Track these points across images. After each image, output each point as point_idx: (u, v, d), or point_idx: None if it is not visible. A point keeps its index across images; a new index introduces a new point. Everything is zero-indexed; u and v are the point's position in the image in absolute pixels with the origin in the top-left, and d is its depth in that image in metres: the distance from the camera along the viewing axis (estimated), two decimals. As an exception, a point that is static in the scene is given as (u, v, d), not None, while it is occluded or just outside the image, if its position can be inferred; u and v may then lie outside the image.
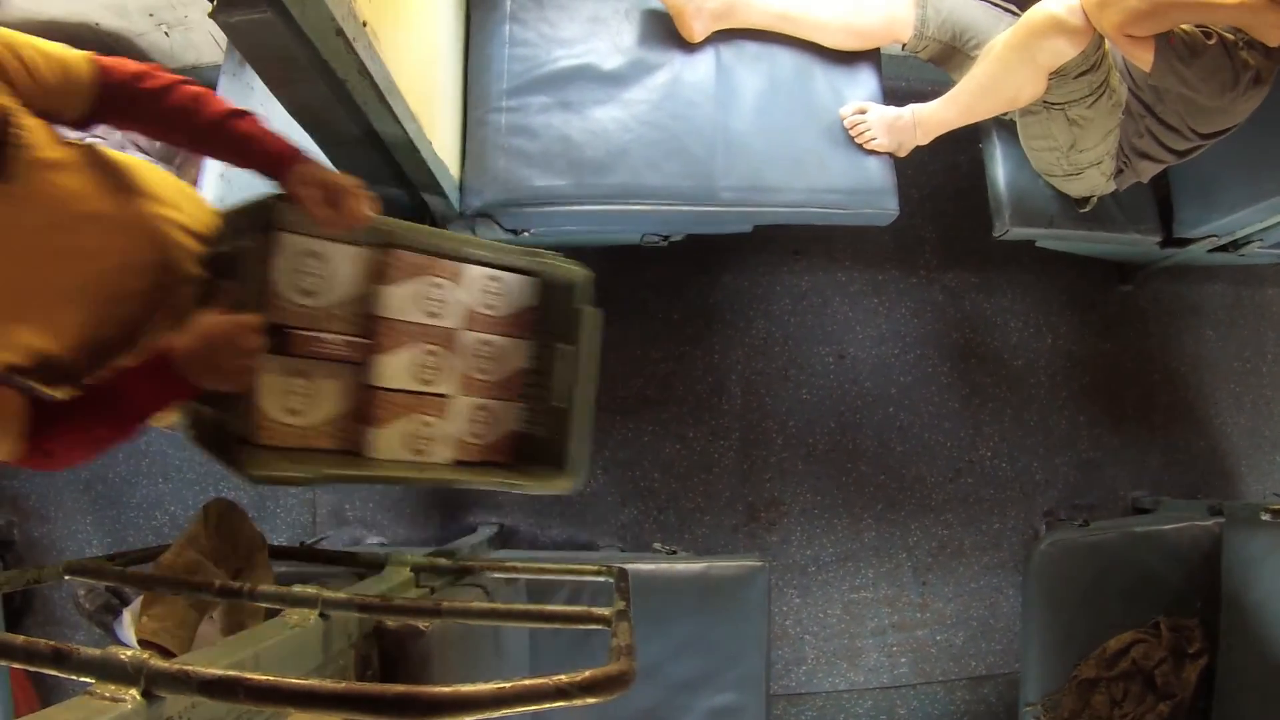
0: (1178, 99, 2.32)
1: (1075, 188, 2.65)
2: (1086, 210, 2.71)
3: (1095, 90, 2.36)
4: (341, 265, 1.75)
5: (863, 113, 2.55)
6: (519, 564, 1.83)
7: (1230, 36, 2.16)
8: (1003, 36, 2.35)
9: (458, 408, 1.94)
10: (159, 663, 0.83)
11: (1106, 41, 2.28)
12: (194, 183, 2.56)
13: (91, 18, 2.81)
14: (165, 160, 2.99)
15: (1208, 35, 2.16)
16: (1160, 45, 2.16)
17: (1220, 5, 2.06)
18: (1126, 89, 2.42)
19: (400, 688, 0.79)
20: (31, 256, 1.38)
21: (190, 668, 0.82)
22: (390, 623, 1.51)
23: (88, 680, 0.85)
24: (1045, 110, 2.44)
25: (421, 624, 1.50)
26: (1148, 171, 2.56)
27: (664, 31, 2.53)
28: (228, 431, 1.64)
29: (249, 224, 1.67)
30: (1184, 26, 2.16)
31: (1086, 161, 2.53)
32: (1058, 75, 2.29)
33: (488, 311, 1.98)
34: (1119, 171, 2.55)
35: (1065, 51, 2.23)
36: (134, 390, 1.48)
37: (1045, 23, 2.21)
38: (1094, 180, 2.58)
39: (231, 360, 1.51)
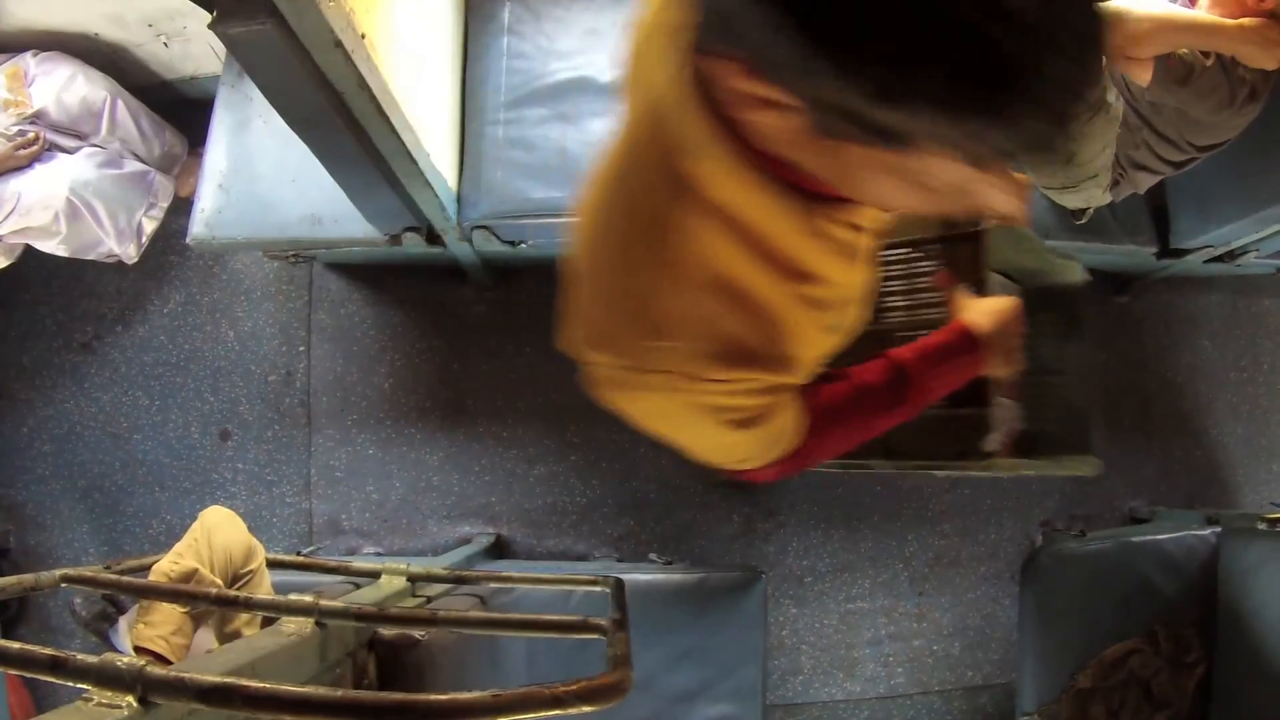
0: (1174, 113, 2.33)
1: (1071, 200, 2.65)
2: (1082, 222, 2.71)
3: (1092, 108, 2.36)
4: None
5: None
6: (515, 574, 1.83)
7: (1228, 55, 2.17)
8: None
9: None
10: (156, 670, 0.84)
11: (1104, 59, 2.28)
12: (193, 193, 2.57)
13: (91, 28, 2.81)
14: (164, 170, 3.00)
15: (1205, 54, 2.16)
16: (1159, 64, 2.16)
17: (1222, 32, 2.06)
18: (1123, 104, 2.42)
19: (397, 695, 0.79)
20: None
21: (188, 675, 0.82)
22: (387, 632, 1.51)
23: (84, 687, 0.86)
24: None
25: (418, 633, 1.51)
26: (1144, 183, 2.56)
27: (661, 43, 2.54)
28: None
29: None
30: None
31: (1083, 175, 2.53)
32: None
33: None
34: (1115, 183, 2.55)
35: None
36: (928, 372, 1.34)
37: None
38: (1090, 193, 2.58)
39: (1014, 343, 1.47)
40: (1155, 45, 2.11)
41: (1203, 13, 2.07)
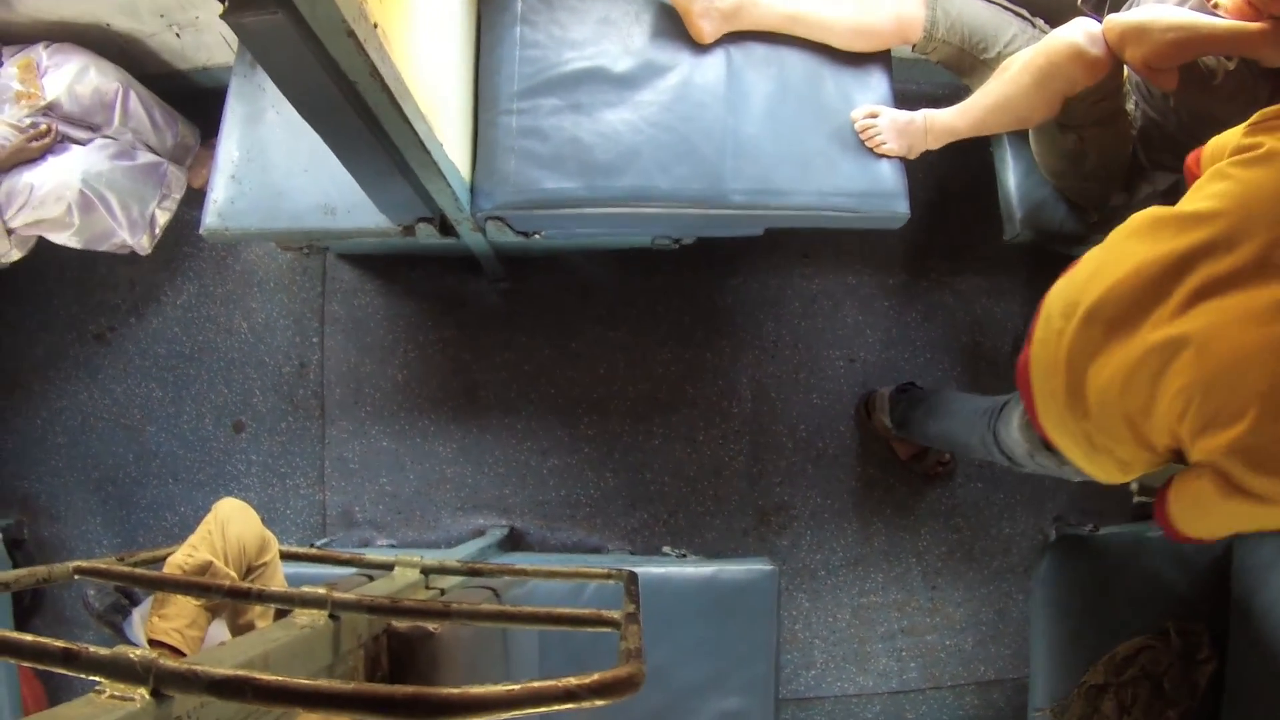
0: (1193, 117, 2.31)
1: (1087, 200, 2.64)
2: (1094, 220, 2.69)
3: (1110, 115, 2.34)
4: None
5: (874, 116, 2.54)
6: (528, 567, 1.83)
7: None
8: (1021, 56, 2.31)
9: None
10: (168, 662, 0.83)
11: (1125, 68, 2.26)
12: (205, 184, 2.57)
13: (102, 18, 2.82)
14: (177, 161, 3.00)
15: (1229, 57, 2.14)
16: (1182, 70, 2.14)
17: (1246, 39, 2.03)
18: (1142, 111, 2.41)
19: (409, 688, 0.79)
20: None
21: (199, 667, 0.82)
22: (400, 624, 1.51)
23: (96, 679, 0.85)
24: (1059, 130, 2.42)
25: (431, 626, 1.50)
26: (1164, 182, 2.54)
27: (674, 33, 2.53)
28: None
29: None
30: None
31: (1099, 177, 2.51)
32: (1073, 100, 2.27)
33: None
34: (1133, 183, 2.53)
35: (1084, 80, 2.19)
36: None
37: (1066, 51, 2.17)
38: (1107, 192, 2.57)
39: None
40: (1179, 56, 2.09)
41: (1223, 19, 2.04)
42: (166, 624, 1.71)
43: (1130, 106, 2.42)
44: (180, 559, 1.75)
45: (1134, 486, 2.13)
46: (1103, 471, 1.91)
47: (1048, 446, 2.00)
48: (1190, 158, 1.83)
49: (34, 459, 3.31)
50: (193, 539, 1.82)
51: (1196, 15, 2.06)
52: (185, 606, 1.73)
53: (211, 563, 1.76)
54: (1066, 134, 2.41)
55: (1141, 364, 1.62)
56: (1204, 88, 2.16)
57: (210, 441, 3.31)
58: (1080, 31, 2.15)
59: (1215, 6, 2.11)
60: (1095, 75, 2.18)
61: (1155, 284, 1.62)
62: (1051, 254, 3.01)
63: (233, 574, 1.80)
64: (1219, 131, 2.32)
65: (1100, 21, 2.17)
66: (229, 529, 1.84)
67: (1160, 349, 1.59)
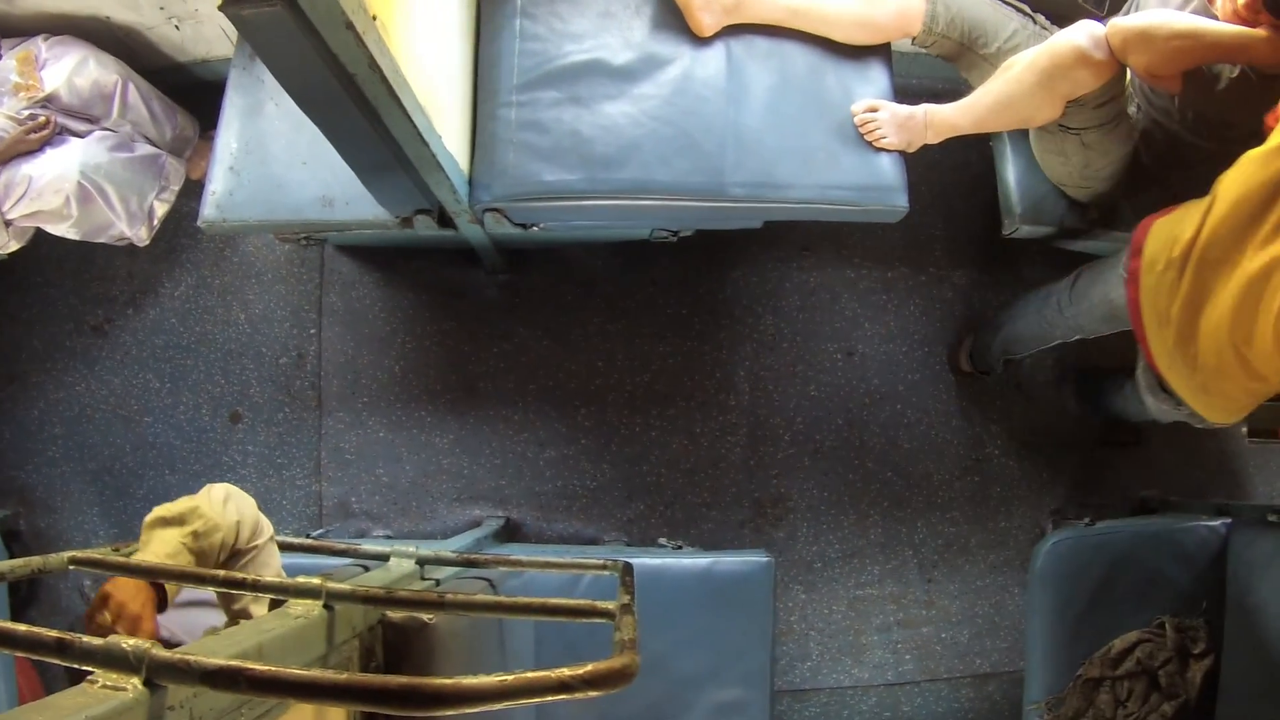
0: (1199, 117, 2.30)
1: (1087, 198, 2.63)
2: (1095, 217, 2.68)
3: (1112, 119, 2.33)
4: None
5: (874, 110, 2.53)
6: (524, 558, 1.83)
7: None
8: (1024, 57, 2.30)
9: None
10: (161, 652, 0.84)
11: (1128, 72, 2.25)
12: (204, 176, 2.57)
13: (103, 11, 2.81)
14: (176, 153, 3.00)
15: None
16: (1187, 77, 2.14)
17: (1252, 47, 2.01)
18: (1145, 113, 2.40)
19: (403, 679, 0.79)
20: None
21: (192, 657, 0.82)
22: (395, 615, 1.51)
23: (90, 669, 0.86)
24: (1060, 131, 2.41)
25: (425, 616, 1.51)
26: (1179, 182, 2.53)
27: (674, 26, 2.53)
28: None
29: None
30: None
31: (1099, 178, 2.51)
32: (1075, 103, 2.26)
33: None
34: (1134, 183, 2.53)
35: (1087, 83, 2.18)
36: None
37: (1069, 54, 2.16)
38: (1107, 191, 2.57)
39: None
40: (1183, 64, 2.08)
41: (1229, 26, 2.03)
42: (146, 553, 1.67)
43: (1132, 110, 2.41)
44: (163, 512, 1.72)
45: (1244, 429, 2.19)
46: (1213, 411, 2.00)
47: (1164, 387, 2.13)
48: (1270, 115, 1.84)
49: (31, 450, 3.31)
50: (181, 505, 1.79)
51: (1201, 21, 2.03)
52: (169, 539, 1.69)
53: (196, 506, 1.74)
54: (1068, 136, 2.40)
55: (1246, 293, 1.64)
56: (1208, 91, 2.15)
57: (207, 432, 3.31)
58: (1084, 35, 2.13)
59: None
60: (1099, 79, 2.16)
61: (1253, 211, 1.64)
62: (1051, 249, 3.01)
63: (220, 524, 1.77)
64: (1225, 132, 2.32)
65: (1102, 20, 2.16)
66: (226, 500, 1.83)
67: (1260, 275, 1.60)
